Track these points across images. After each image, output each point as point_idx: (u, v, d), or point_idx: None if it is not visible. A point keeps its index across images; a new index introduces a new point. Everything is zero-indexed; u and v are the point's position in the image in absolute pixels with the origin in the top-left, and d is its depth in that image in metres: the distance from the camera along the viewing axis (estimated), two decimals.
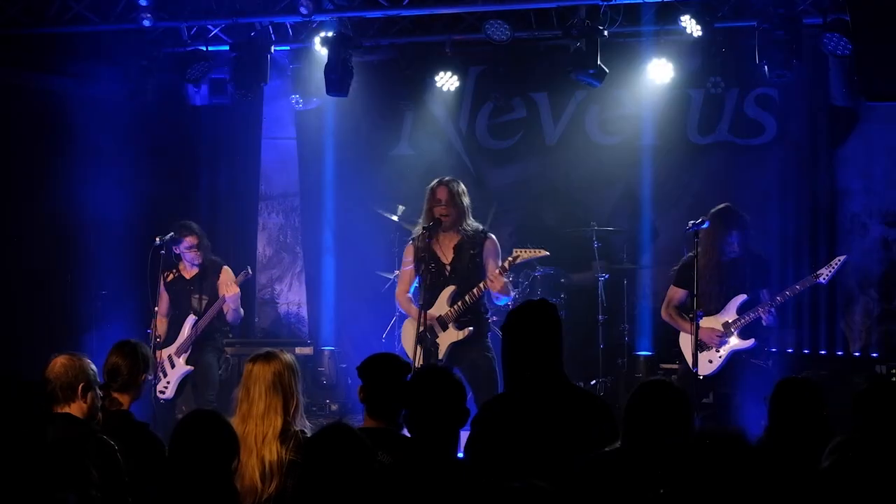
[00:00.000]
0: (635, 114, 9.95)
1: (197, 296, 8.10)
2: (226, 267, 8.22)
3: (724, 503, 2.97)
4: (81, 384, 4.50)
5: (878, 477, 3.88)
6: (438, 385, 4.01)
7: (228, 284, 8.01)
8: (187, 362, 7.97)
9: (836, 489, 3.85)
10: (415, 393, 4.04)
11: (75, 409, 4.48)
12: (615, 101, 9.97)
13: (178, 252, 8.14)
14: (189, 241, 8.09)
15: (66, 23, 9.19)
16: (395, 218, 9.62)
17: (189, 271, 8.18)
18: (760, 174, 9.54)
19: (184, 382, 7.98)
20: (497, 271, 6.91)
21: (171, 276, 8.14)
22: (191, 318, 8.05)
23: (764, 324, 7.01)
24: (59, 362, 4.53)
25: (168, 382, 7.93)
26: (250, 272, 8.13)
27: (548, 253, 7.13)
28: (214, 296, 8.07)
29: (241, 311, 8.19)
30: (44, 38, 9.42)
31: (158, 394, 7.90)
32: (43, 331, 9.52)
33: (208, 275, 8.14)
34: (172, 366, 7.97)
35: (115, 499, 4.01)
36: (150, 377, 5.22)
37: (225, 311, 8.09)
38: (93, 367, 4.62)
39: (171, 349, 8.00)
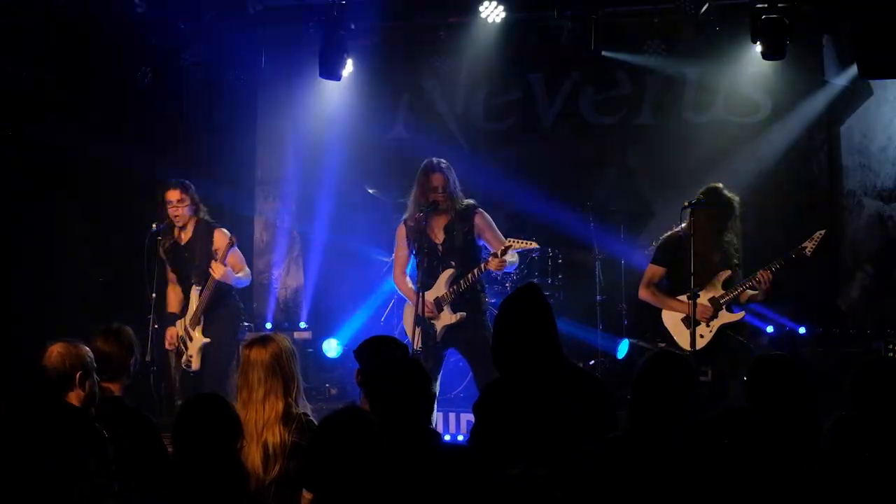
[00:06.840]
0: (630, 93, 9.95)
1: (195, 263, 7.75)
2: (218, 231, 7.79)
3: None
4: (79, 373, 4.40)
5: (879, 453, 3.91)
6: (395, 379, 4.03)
7: (217, 264, 7.59)
8: (204, 333, 7.70)
9: (838, 468, 3.89)
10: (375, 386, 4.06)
11: (73, 397, 4.38)
12: (610, 81, 9.97)
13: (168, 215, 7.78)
14: (171, 195, 7.73)
15: (59, 8, 9.16)
16: (391, 201, 9.62)
17: (184, 236, 7.84)
18: (756, 152, 9.54)
19: (206, 352, 7.72)
20: (496, 252, 6.92)
21: (167, 244, 7.79)
22: (195, 289, 7.75)
23: (761, 298, 7.05)
24: (56, 350, 4.41)
25: (191, 355, 7.68)
26: (234, 239, 7.79)
27: (538, 245, 7.17)
28: (211, 259, 7.69)
29: (243, 273, 7.81)
30: (36, 25, 9.39)
31: (184, 366, 7.71)
32: (40, 316, 9.52)
33: (202, 239, 7.75)
34: (191, 338, 7.73)
35: (103, 486, 3.99)
36: (137, 359, 5.05)
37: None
38: (90, 353, 4.51)
39: (186, 320, 7.76)
